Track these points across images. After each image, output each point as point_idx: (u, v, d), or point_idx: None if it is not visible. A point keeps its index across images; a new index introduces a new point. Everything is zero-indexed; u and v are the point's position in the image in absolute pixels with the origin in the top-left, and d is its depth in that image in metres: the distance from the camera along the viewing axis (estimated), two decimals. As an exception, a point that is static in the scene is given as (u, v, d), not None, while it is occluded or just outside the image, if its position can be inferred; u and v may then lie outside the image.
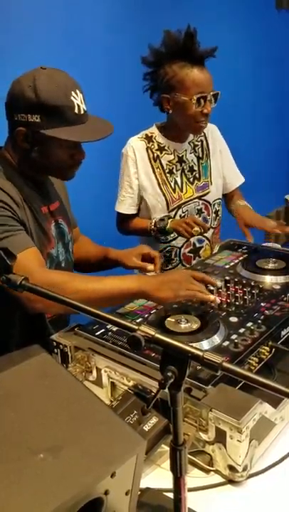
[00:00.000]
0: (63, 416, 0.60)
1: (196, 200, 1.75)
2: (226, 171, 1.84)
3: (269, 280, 1.33)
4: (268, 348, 1.06)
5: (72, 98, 1.14)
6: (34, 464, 0.52)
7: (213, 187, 1.78)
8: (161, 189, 1.71)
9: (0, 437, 0.56)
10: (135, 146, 1.71)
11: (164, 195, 1.71)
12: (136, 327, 0.65)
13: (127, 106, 2.36)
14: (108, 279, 1.14)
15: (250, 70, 3.21)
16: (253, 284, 1.29)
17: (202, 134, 1.76)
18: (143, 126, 1.78)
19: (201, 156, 1.77)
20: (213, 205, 1.80)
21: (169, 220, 1.63)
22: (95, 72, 2.28)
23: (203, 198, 1.77)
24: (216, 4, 2.82)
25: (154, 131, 1.74)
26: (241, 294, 1.23)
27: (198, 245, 1.79)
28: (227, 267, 1.45)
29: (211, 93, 1.57)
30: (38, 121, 1.13)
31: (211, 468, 0.87)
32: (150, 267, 1.38)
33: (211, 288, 1.24)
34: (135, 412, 0.89)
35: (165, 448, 0.89)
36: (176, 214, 1.73)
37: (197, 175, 1.76)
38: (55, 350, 1.12)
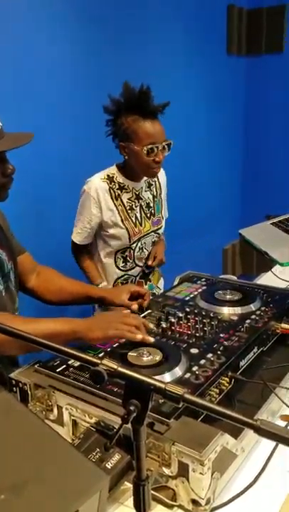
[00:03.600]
0: (24, 454, 0.59)
1: (152, 233, 1.96)
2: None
3: (227, 311, 1.37)
4: (227, 379, 1.08)
5: None
6: (-5, 507, 0.51)
7: (164, 222, 2.02)
8: (124, 225, 1.85)
9: None
10: (98, 187, 1.82)
11: (126, 229, 1.85)
12: (98, 361, 0.65)
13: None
14: (42, 321, 1.16)
15: (202, 114, 3.38)
16: (212, 315, 1.32)
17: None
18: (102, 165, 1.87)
19: (155, 194, 1.97)
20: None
21: None
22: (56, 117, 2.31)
23: (157, 231, 1.98)
24: (170, 49, 2.96)
25: (114, 171, 1.87)
26: (201, 326, 1.26)
27: (146, 271, 1.99)
28: (187, 298, 1.48)
29: (163, 143, 1.73)
30: None
31: (175, 504, 0.86)
32: (134, 306, 1.39)
33: (173, 320, 1.28)
34: (98, 449, 0.87)
35: (128, 485, 0.87)
36: (136, 246, 1.90)
37: (153, 211, 1.95)
38: (14, 388, 1.09)
